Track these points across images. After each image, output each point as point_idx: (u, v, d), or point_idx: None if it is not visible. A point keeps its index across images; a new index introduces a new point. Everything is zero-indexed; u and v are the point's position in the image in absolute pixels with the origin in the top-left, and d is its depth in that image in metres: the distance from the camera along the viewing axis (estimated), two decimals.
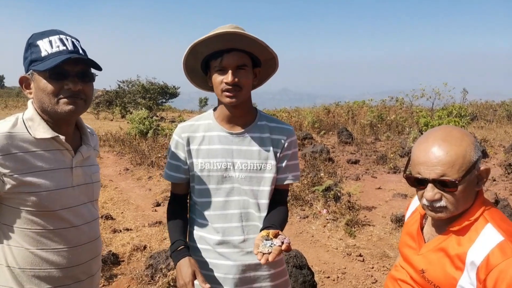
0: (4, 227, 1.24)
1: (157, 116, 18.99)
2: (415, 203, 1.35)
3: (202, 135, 1.48)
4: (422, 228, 1.25)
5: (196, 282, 1.32)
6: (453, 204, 1.08)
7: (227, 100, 1.38)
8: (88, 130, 1.46)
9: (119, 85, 22.89)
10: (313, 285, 3.09)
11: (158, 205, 5.73)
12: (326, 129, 13.25)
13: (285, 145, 1.49)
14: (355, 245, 4.35)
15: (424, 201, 1.11)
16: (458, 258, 1.07)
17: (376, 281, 3.58)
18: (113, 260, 3.74)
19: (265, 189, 1.46)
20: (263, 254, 1.20)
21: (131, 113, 13.94)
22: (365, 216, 5.19)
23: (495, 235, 1.04)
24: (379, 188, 6.55)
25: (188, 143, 1.48)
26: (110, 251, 3.86)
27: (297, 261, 3.12)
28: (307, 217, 5.18)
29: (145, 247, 4.10)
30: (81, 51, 1.27)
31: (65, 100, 1.23)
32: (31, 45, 1.24)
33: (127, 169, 7.95)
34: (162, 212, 5.39)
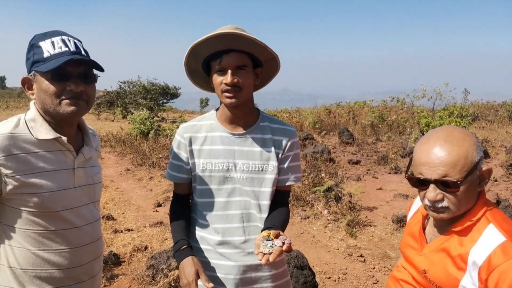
0: (6, 228, 1.24)
1: (158, 117, 19.01)
2: (417, 203, 1.35)
3: (204, 136, 1.48)
4: (424, 228, 1.25)
5: (199, 281, 1.32)
6: (455, 204, 1.08)
7: (227, 100, 1.38)
8: (90, 131, 1.46)
9: (120, 85, 22.91)
10: (314, 285, 3.09)
11: (159, 205, 5.74)
12: (327, 129, 13.24)
13: (287, 146, 1.49)
14: (356, 245, 4.35)
15: (426, 202, 1.11)
16: (460, 258, 1.07)
17: (377, 281, 3.58)
18: (114, 260, 3.74)
19: (266, 190, 1.46)
20: (264, 254, 1.20)
21: (132, 113, 13.95)
22: (366, 217, 5.18)
23: (497, 235, 1.04)
24: (380, 188, 6.54)
25: (190, 143, 1.48)
26: (111, 251, 3.87)
27: (298, 261, 3.12)
28: (308, 217, 5.18)
29: (146, 248, 4.10)
30: (83, 52, 1.27)
31: (67, 101, 1.23)
32: (33, 46, 1.24)
33: (128, 170, 7.96)
34: (163, 213, 5.40)
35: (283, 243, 1.22)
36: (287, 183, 1.51)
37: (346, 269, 3.81)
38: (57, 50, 1.22)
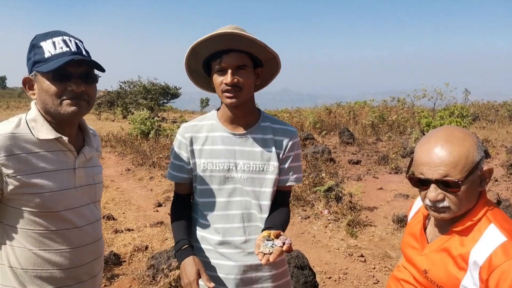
0: (7, 228, 1.24)
1: (159, 117, 19.01)
2: (418, 203, 1.35)
3: (205, 136, 1.49)
4: (425, 228, 1.25)
5: (200, 281, 1.32)
6: (456, 204, 1.08)
7: (228, 100, 1.38)
8: (90, 131, 1.46)
9: (120, 85, 22.93)
10: (315, 285, 3.09)
11: (160, 205, 5.74)
12: (327, 129, 13.24)
13: (288, 147, 1.49)
14: (356, 245, 4.35)
15: (427, 202, 1.11)
16: (461, 258, 1.07)
17: (378, 281, 3.58)
18: (115, 260, 3.75)
19: (267, 190, 1.46)
20: (264, 254, 1.20)
21: (132, 113, 13.96)
22: (367, 217, 5.18)
23: (498, 235, 1.04)
24: (380, 188, 6.54)
25: (191, 143, 1.48)
26: (112, 251, 3.87)
27: (298, 261, 3.12)
28: (309, 217, 5.18)
29: (146, 248, 4.10)
30: (84, 52, 1.27)
31: (68, 101, 1.23)
32: (34, 46, 1.24)
33: (129, 170, 7.96)
34: (163, 213, 5.40)
35: (284, 243, 1.22)
36: (288, 184, 1.51)
37: (347, 269, 3.81)
38: (58, 51, 1.22)
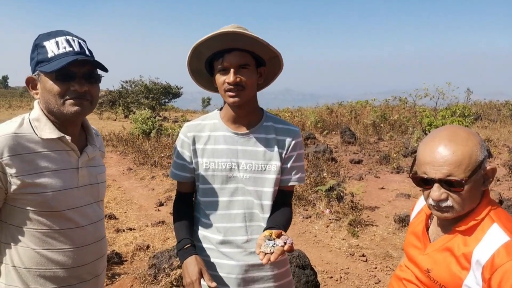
0: (10, 227, 1.25)
1: (160, 116, 19.03)
2: (420, 203, 1.35)
3: (208, 135, 1.49)
4: (427, 228, 1.25)
5: (202, 281, 1.32)
6: (459, 204, 1.08)
7: (230, 100, 1.38)
8: (93, 131, 1.47)
9: (122, 85, 22.95)
10: (316, 285, 3.09)
11: (161, 204, 5.75)
12: (329, 129, 13.23)
13: (291, 146, 1.49)
14: (358, 245, 4.35)
15: (430, 201, 1.11)
16: (464, 257, 1.07)
17: (379, 281, 3.57)
18: (116, 259, 3.75)
19: (269, 190, 1.46)
20: (265, 254, 1.20)
21: (134, 113, 13.97)
22: (368, 216, 5.18)
23: (501, 235, 1.04)
24: (382, 188, 6.53)
25: (194, 142, 1.49)
26: (113, 250, 3.87)
27: (300, 261, 3.12)
28: (310, 217, 5.18)
29: (148, 247, 4.11)
30: (87, 52, 1.27)
31: (71, 101, 1.23)
32: (37, 46, 1.24)
33: (130, 169, 7.97)
34: (165, 212, 5.41)
35: (285, 243, 1.22)
36: (290, 183, 1.51)
37: (348, 268, 3.81)
38: (62, 50, 1.22)
